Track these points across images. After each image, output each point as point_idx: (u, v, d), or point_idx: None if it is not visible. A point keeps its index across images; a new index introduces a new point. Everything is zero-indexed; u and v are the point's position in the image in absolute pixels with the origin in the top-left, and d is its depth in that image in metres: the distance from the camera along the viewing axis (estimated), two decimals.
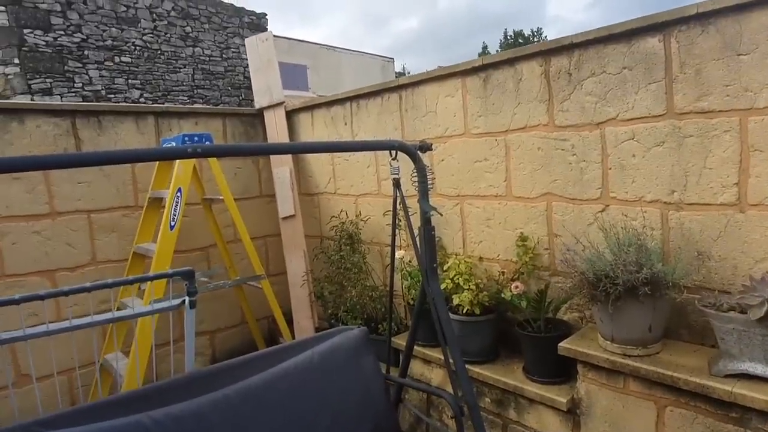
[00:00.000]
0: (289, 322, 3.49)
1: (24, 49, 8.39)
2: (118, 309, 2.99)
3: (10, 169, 1.25)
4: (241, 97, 12.37)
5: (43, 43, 8.60)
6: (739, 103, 1.73)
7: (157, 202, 3.09)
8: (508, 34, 29.72)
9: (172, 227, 2.77)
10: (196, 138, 2.92)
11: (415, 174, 1.96)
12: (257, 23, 12.59)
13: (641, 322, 1.80)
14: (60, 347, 2.16)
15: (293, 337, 3.44)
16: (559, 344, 2.05)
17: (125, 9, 9.81)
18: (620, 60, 2.01)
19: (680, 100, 1.87)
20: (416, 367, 2.76)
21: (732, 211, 1.79)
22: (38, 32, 8.52)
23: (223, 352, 3.74)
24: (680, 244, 1.92)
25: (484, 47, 29.67)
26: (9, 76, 8.29)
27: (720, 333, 1.66)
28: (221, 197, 3.14)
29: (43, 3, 8.52)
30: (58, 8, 8.78)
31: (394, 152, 1.95)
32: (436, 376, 2.69)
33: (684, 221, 1.91)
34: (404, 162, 1.97)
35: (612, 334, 1.87)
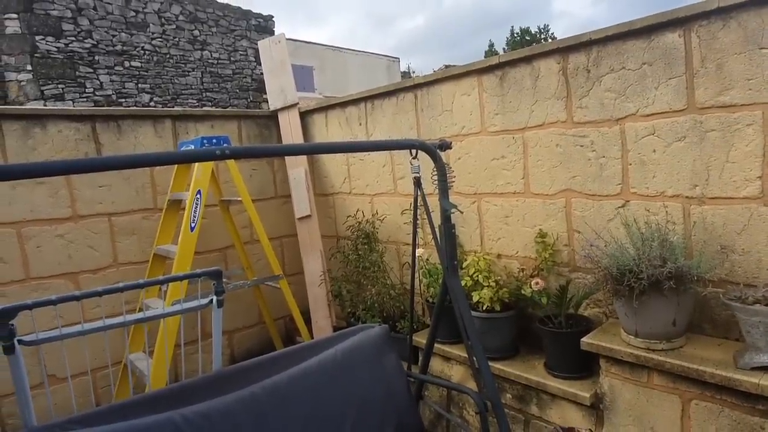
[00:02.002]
0: (307, 321, 3.51)
1: (36, 55, 8.49)
2: (140, 309, 3.04)
3: (48, 173, 1.28)
4: (249, 99, 12.44)
5: (55, 49, 8.71)
6: (762, 96, 1.73)
7: (176, 204, 3.13)
8: (515, 31, 29.57)
9: (192, 228, 2.81)
10: (214, 140, 2.95)
11: (435, 172, 1.98)
12: (264, 25, 12.66)
13: (665, 316, 1.81)
14: (80, 348, 2.19)
15: (311, 337, 3.47)
16: (582, 339, 2.06)
17: (134, 14, 9.90)
18: (640, 55, 2.02)
19: (701, 94, 1.87)
20: (436, 364, 2.77)
21: (756, 205, 1.79)
22: (50, 39, 8.62)
23: (241, 351, 3.78)
24: (703, 238, 1.92)
25: (491, 45, 29.56)
26: (22, 83, 8.40)
27: (746, 326, 1.67)
28: (239, 198, 3.17)
29: (54, 9, 8.63)
30: (69, 14, 8.88)
31: (414, 151, 1.96)
32: (456, 373, 2.70)
33: (706, 215, 1.91)
34: (422, 160, 1.98)
35: (636, 328, 1.88)
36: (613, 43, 2.09)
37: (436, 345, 2.57)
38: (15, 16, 8.28)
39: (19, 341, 1.54)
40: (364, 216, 3.36)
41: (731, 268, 1.87)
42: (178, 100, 10.72)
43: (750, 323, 1.65)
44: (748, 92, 1.77)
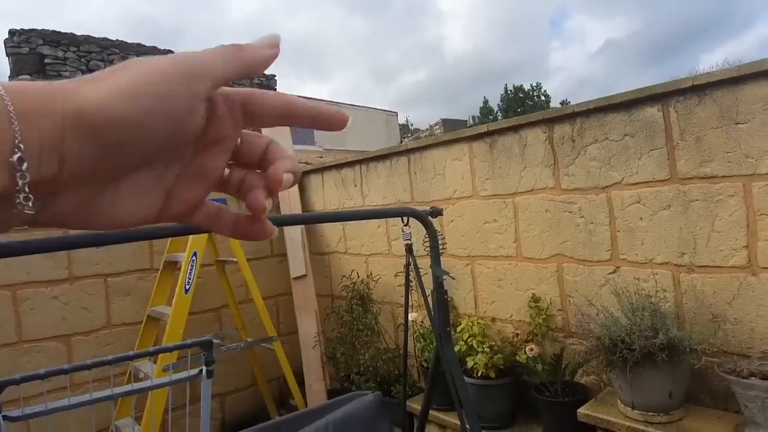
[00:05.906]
0: (300, 383, 3.44)
1: None
2: (129, 373, 2.98)
3: (43, 250, 1.31)
4: None
5: None
6: (742, 169, 1.79)
7: (171, 265, 3.14)
8: (509, 88, 30.62)
9: (186, 291, 2.81)
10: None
11: (427, 239, 2.01)
12: (266, 84, 13.12)
13: (661, 388, 1.78)
14: (65, 416, 2.14)
15: (304, 400, 3.38)
16: (578, 410, 2.02)
17: None
18: (621, 127, 2.10)
19: (683, 165, 1.94)
20: None
21: (744, 274, 1.81)
22: None
23: (233, 414, 3.66)
24: (694, 306, 1.92)
25: (485, 102, 30.55)
26: None
27: (743, 400, 1.64)
28: (235, 259, 3.19)
29: (66, 71, 9.00)
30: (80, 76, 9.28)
31: (405, 218, 2.00)
32: None
33: (696, 283, 1.93)
34: (414, 225, 2.02)
35: (632, 400, 1.85)
36: (596, 116, 2.18)
37: (432, 412, 2.50)
38: (28, 77, 8.62)
39: (5, 417, 1.51)
40: (359, 276, 3.36)
41: (725, 337, 1.86)
42: None
43: (747, 397, 1.63)
44: (727, 165, 1.83)
